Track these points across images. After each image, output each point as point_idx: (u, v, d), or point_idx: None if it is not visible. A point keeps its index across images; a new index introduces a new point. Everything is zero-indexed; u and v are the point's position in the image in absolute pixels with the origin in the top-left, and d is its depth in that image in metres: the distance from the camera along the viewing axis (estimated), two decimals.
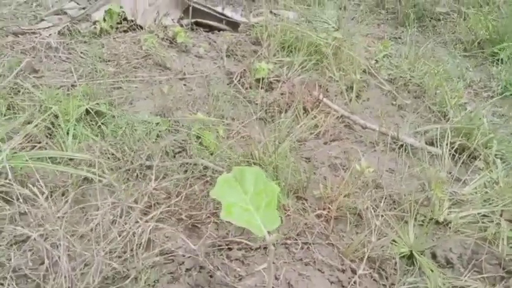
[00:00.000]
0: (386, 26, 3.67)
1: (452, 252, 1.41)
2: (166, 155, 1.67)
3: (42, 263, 1.14)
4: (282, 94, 2.29)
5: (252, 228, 0.86)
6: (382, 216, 1.43)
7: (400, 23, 3.68)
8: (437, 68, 2.65)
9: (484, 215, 1.51)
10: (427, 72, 2.60)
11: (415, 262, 1.36)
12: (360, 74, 2.53)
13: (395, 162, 1.85)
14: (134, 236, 1.20)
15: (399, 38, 3.46)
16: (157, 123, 1.88)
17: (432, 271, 1.30)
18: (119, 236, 1.17)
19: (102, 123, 1.82)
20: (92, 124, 1.81)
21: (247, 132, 1.89)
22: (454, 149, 1.87)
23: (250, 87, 2.34)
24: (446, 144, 1.87)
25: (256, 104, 2.21)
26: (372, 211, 1.44)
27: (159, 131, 1.83)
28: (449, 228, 1.48)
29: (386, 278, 1.30)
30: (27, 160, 1.34)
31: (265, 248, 1.33)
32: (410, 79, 2.58)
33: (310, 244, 1.35)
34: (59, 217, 1.20)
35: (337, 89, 2.42)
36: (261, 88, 2.29)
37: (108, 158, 1.62)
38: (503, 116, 2.37)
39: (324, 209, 1.49)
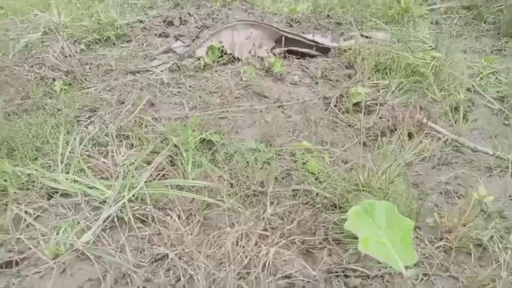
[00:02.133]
0: (488, 39, 3.44)
1: None
2: (276, 181, 1.76)
3: (179, 280, 1.28)
4: (381, 118, 2.28)
5: (389, 262, 0.88)
6: (510, 249, 1.34)
7: (503, 34, 3.43)
8: None
9: None
10: None
11: None
12: (465, 93, 2.41)
13: None
14: (257, 259, 1.29)
15: (504, 49, 3.22)
16: (263, 151, 1.99)
17: None
18: (245, 257, 1.26)
19: (214, 151, 1.98)
20: (206, 152, 1.99)
21: (349, 157, 1.92)
22: None
23: (348, 112, 2.36)
24: None
25: (356, 128, 2.22)
26: (499, 243, 1.35)
27: (266, 158, 1.94)
28: None
29: None
30: (160, 188, 1.53)
31: (382, 276, 1.32)
32: None
33: (429, 275, 1.32)
34: (190, 238, 1.34)
35: (439, 110, 2.33)
36: (358, 112, 2.30)
37: (225, 184, 1.76)
38: None
39: (441, 239, 1.43)
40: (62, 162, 1.75)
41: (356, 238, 1.27)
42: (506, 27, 3.41)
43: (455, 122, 2.21)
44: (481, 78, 2.62)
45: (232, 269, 1.21)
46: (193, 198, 1.62)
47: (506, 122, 2.23)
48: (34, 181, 1.70)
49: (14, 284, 1.30)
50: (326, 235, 1.49)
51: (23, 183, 1.70)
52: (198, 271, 1.23)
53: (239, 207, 1.59)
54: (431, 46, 2.84)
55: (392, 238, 0.93)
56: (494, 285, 1.24)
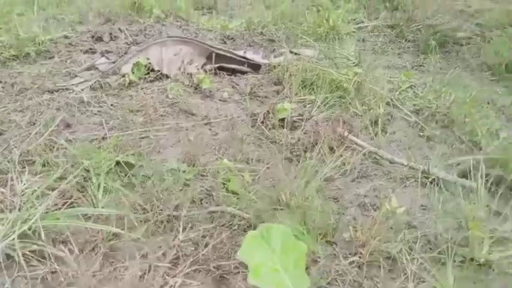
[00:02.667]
0: (408, 56, 3.65)
1: None
2: (193, 204, 1.69)
3: None
4: (305, 133, 2.30)
5: None
6: (417, 260, 1.37)
7: (422, 51, 3.66)
8: (465, 95, 2.59)
9: None
10: (454, 101, 2.54)
11: None
12: (384, 107, 2.51)
13: (427, 198, 1.79)
14: None
15: (422, 65, 3.43)
16: (183, 171, 1.92)
17: None
18: None
19: (132, 174, 1.87)
20: (122, 175, 1.87)
21: (272, 174, 1.90)
22: (490, 181, 1.79)
23: (274, 128, 2.36)
24: (481, 177, 1.79)
25: (281, 144, 2.22)
26: (407, 255, 1.38)
27: (186, 179, 1.86)
28: (492, 270, 1.39)
29: None
30: (58, 219, 1.39)
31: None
32: (437, 109, 2.52)
33: None
34: (89, 275, 1.22)
35: (361, 124, 2.40)
36: (284, 128, 2.31)
37: (138, 210, 1.65)
38: None
39: (355, 254, 1.44)
40: None
41: None
42: (424, 45, 3.65)
43: (375, 135, 2.28)
44: (400, 93, 2.75)
45: None
46: (100, 229, 1.50)
47: (421, 134, 2.34)
48: None
49: None
50: None
51: None
52: None
53: (151, 234, 1.50)
54: (354, 62, 2.95)
55: (285, 263, 0.90)
56: None
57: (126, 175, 1.86)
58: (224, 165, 1.86)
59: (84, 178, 1.76)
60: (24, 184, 1.66)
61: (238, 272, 1.39)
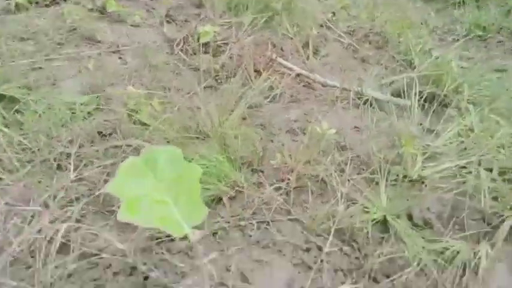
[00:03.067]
0: None
1: (430, 212, 1.24)
2: (93, 140, 1.41)
3: None
4: (230, 57, 2.04)
5: (168, 228, 0.64)
6: (348, 181, 1.24)
7: None
8: (399, 15, 2.45)
9: (461, 167, 1.34)
10: (388, 20, 2.39)
11: (390, 228, 1.18)
12: (317, 28, 2.30)
13: (360, 120, 1.66)
14: (45, 241, 0.95)
15: None
16: (83, 104, 1.60)
17: (409, 235, 1.13)
18: (19, 246, 0.92)
19: (17, 111, 1.52)
20: (7, 112, 1.51)
21: (191, 103, 1.65)
22: (423, 98, 1.70)
23: (195, 54, 2.07)
24: (415, 94, 1.69)
25: (203, 71, 1.95)
26: (337, 177, 1.24)
27: (88, 112, 1.56)
28: (425, 185, 1.31)
29: (359, 250, 1.11)
30: None
31: (215, 233, 1.11)
32: (371, 29, 2.37)
33: (268, 223, 1.14)
34: None
35: (292, 47, 2.17)
36: (206, 53, 2.04)
37: (23, 150, 1.34)
38: (471, 59, 2.21)
39: (282, 180, 1.27)
40: None
41: None
42: None
43: (307, 58, 2.08)
44: (334, 14, 2.55)
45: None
46: None
47: (356, 56, 2.19)
48: None
49: None
50: None
51: None
52: None
53: (38, 177, 1.21)
54: None
55: (175, 194, 0.68)
56: (334, 220, 1.12)
57: (12, 112, 1.51)
58: (130, 93, 1.56)
59: None
60: None
61: None
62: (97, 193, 1.14)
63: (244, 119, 1.59)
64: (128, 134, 1.43)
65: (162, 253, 1.02)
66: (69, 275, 0.93)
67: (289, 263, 1.03)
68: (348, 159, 1.35)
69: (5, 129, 1.38)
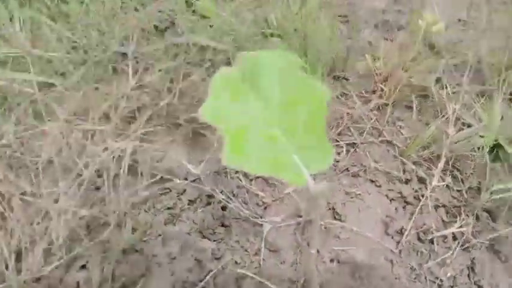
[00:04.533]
0: None
1: None
2: (149, 34, 1.21)
3: None
4: None
5: (285, 176, 0.47)
6: (461, 95, 1.00)
7: None
8: None
9: None
10: None
11: (502, 155, 0.98)
12: None
13: (469, 10, 1.31)
14: (112, 163, 0.86)
15: None
16: None
17: None
18: (85, 168, 0.82)
19: (61, 0, 1.33)
20: (51, 1, 1.32)
21: None
22: None
23: None
24: None
25: None
26: (448, 87, 1.00)
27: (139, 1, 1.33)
28: None
29: (463, 182, 0.94)
30: None
31: None
32: None
33: (357, 146, 0.97)
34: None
35: None
36: None
37: (73, 48, 1.18)
38: None
39: (374, 92, 1.06)
40: None
41: None
42: None
43: None
44: None
45: (63, 190, 0.78)
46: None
47: None
48: None
49: None
50: None
51: None
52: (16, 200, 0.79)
53: (92, 81, 1.07)
54: None
55: (289, 124, 0.49)
56: (439, 145, 0.93)
57: (55, 1, 1.32)
58: None
59: None
60: None
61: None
62: (162, 103, 0.99)
63: (321, 8, 1.30)
64: (188, 29, 1.21)
65: (239, 179, 0.90)
66: (142, 202, 0.85)
67: (384, 196, 0.88)
68: (463, 62, 1.08)
69: (52, 23, 1.21)
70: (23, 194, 0.81)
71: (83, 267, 0.74)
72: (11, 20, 1.17)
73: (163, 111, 1.02)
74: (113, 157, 0.87)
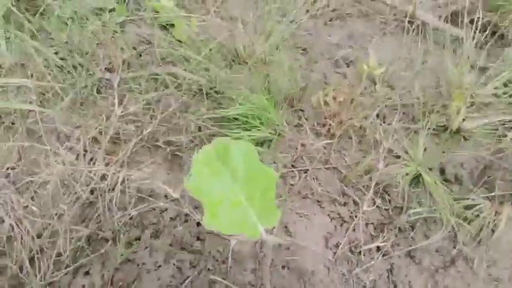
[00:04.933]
0: None
1: (463, 168, 1.28)
2: (130, 59, 1.35)
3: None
4: None
5: (246, 232, 0.68)
6: (391, 132, 1.24)
7: None
8: None
9: (505, 123, 1.32)
10: None
11: (422, 181, 1.24)
12: None
13: (408, 51, 1.55)
14: (104, 184, 1.02)
15: None
16: (111, 10, 1.47)
17: (439, 191, 1.19)
18: (82, 191, 0.99)
19: (41, 14, 1.41)
20: (28, 17, 1.40)
21: (228, 13, 1.53)
22: (483, 29, 1.54)
23: None
24: (472, 22, 1.53)
25: None
26: (382, 123, 1.24)
27: (116, 23, 1.44)
28: (464, 139, 1.31)
29: (390, 203, 1.19)
30: None
31: None
32: None
33: (308, 172, 1.20)
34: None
35: None
36: None
37: (61, 69, 1.29)
38: None
39: (323, 125, 1.28)
40: None
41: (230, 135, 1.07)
42: None
43: None
44: None
45: (66, 210, 0.94)
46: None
47: None
48: None
49: None
50: (198, 130, 1.23)
51: None
52: (23, 218, 0.94)
53: (79, 106, 1.21)
54: None
55: (250, 194, 0.71)
56: (374, 174, 1.17)
57: (37, 15, 1.40)
58: (165, 6, 1.42)
59: None
60: None
61: (193, 147, 1.22)
62: (145, 132, 1.15)
63: (284, 40, 1.49)
64: (164, 53, 1.35)
65: None
66: (131, 218, 1.02)
67: (326, 216, 1.11)
68: (396, 104, 1.32)
69: (36, 44, 1.30)
70: (28, 211, 0.96)
71: (87, 273, 0.91)
72: None
73: (145, 137, 1.19)
74: (107, 184, 1.03)
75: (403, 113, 1.37)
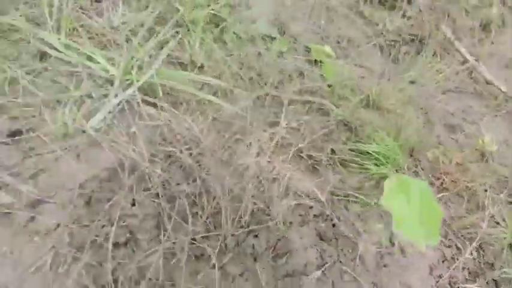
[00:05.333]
0: None
1: None
2: (288, 82, 1.66)
3: (194, 181, 1.26)
4: (407, 18, 2.08)
5: (416, 241, 0.94)
6: (498, 202, 1.46)
7: None
8: None
9: None
10: None
11: None
12: (498, 5, 2.21)
13: None
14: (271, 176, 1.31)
15: None
16: (274, 38, 1.80)
17: None
18: (257, 177, 1.28)
19: (222, 29, 1.76)
20: (213, 27, 1.75)
21: (364, 62, 1.84)
22: None
23: (371, 2, 2.12)
24: None
25: (377, 26, 2.04)
26: (490, 192, 1.46)
27: (279, 50, 1.77)
28: None
29: (483, 257, 1.40)
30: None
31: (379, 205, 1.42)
32: None
33: None
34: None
35: (468, 23, 2.15)
36: (385, 7, 2.08)
37: (239, 78, 1.60)
38: None
39: (438, 179, 1.51)
40: (50, 16, 1.46)
41: (362, 165, 1.34)
42: None
43: (479, 42, 2.08)
44: None
45: (249, 188, 1.23)
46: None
47: None
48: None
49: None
50: (333, 153, 1.49)
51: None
52: (213, 178, 1.23)
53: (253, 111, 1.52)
54: None
55: (422, 221, 0.98)
56: (475, 231, 1.38)
57: (218, 28, 1.74)
58: (321, 50, 1.75)
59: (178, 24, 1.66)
60: (120, 17, 1.57)
61: (328, 165, 1.47)
62: (301, 145, 1.43)
63: (409, 97, 1.75)
64: (312, 80, 1.66)
65: (341, 208, 1.35)
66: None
67: (434, 251, 1.34)
68: (505, 177, 1.54)
69: (223, 56, 1.62)
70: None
71: (256, 236, 1.20)
72: None
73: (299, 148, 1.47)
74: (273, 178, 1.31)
75: (504, 188, 1.59)
